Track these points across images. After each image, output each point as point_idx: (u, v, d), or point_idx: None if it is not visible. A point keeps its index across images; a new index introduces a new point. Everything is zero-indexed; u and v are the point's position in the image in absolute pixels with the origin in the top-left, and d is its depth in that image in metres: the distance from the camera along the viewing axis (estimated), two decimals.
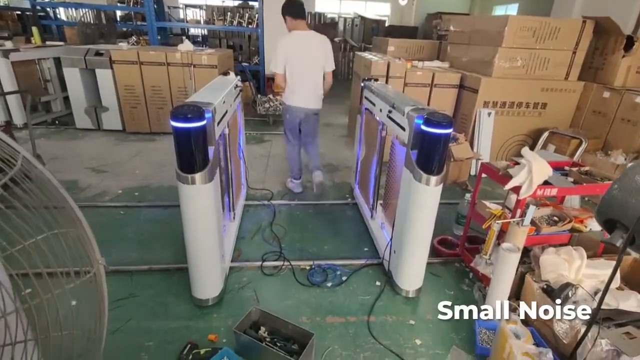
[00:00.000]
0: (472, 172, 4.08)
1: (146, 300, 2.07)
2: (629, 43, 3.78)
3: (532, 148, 4.11)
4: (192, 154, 1.64)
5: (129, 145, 4.52)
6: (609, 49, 3.99)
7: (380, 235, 2.65)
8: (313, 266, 2.39)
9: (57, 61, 5.02)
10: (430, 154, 1.80)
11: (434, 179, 1.82)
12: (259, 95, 5.78)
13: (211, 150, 1.75)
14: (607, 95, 3.83)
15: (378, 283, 2.28)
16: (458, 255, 2.54)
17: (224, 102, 2.06)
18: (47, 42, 5.71)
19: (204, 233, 1.83)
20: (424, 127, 1.78)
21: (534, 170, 1.85)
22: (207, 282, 1.97)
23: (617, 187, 0.65)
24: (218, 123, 1.88)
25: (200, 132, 1.63)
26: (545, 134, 3.94)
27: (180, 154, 1.66)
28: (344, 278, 2.31)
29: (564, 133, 3.84)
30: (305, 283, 2.25)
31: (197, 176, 1.68)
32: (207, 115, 1.68)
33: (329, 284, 2.25)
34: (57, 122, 5.21)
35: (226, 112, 2.15)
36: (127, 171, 3.76)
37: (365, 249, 2.63)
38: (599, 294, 1.88)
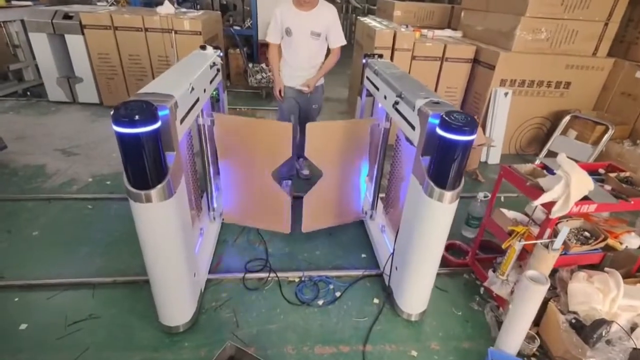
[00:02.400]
0: (483, 159, 3.73)
1: (108, 322, 1.78)
2: None
3: (550, 132, 3.72)
4: (143, 166, 1.28)
5: (106, 121, 4.09)
6: None
7: (380, 240, 2.35)
8: (303, 278, 2.10)
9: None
10: (446, 165, 1.44)
11: (448, 195, 1.48)
12: (250, 65, 5.27)
13: (171, 156, 1.39)
14: (639, 75, 3.39)
15: (376, 301, 2.00)
16: (467, 265, 2.25)
17: (192, 89, 1.66)
18: (13, 2, 5.10)
19: (168, 257, 1.50)
20: (440, 131, 1.41)
21: (573, 185, 1.51)
22: (176, 308, 1.67)
23: None
24: (182, 120, 1.50)
25: (153, 138, 1.26)
26: (567, 118, 3.52)
27: (128, 167, 1.30)
28: (337, 294, 2.02)
29: (587, 117, 3.43)
30: (293, 300, 1.97)
31: (153, 193, 1.33)
32: (162, 113, 1.30)
33: (320, 302, 1.97)
34: (28, 93, 4.75)
35: (197, 100, 1.76)
36: (102, 154, 3.39)
37: (363, 256, 2.34)
38: (637, 330, 1.60)
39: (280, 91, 2.74)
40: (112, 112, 1.21)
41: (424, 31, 4.18)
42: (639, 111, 3.39)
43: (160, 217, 1.40)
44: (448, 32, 4.40)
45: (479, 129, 3.47)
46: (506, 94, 3.54)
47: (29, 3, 5.16)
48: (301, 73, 2.71)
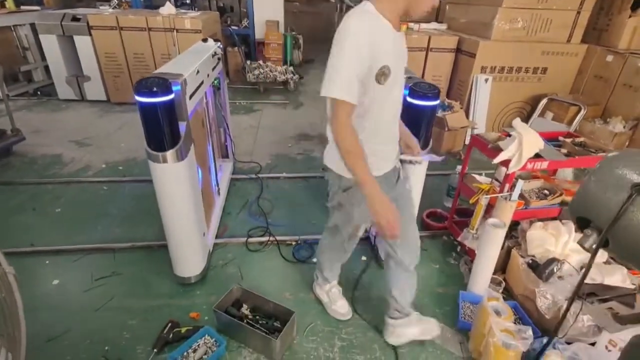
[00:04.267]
0: (467, 142, 3.98)
1: (128, 278, 2.05)
2: (637, 2, 3.54)
3: (530, 115, 3.98)
4: (160, 131, 1.54)
5: (114, 116, 4.37)
6: (615, 9, 3.75)
7: None
8: (299, 241, 2.36)
9: (35, 27, 4.74)
10: (415, 128, 1.70)
11: None
12: (248, 62, 5.54)
13: (182, 126, 1.65)
14: (610, 59, 3.65)
15: (364, 258, 2.26)
16: (446, 228, 2.51)
17: (198, 72, 1.92)
18: (22, 7, 5.37)
19: (181, 213, 1.77)
20: (409, 99, 1.67)
21: (524, 143, 1.77)
22: (188, 261, 1.94)
23: (593, 180, 0.57)
24: (190, 96, 1.77)
25: (168, 107, 1.52)
26: (544, 101, 3.79)
27: (148, 131, 1.56)
28: None
29: (562, 100, 3.70)
30: (290, 259, 2.23)
31: (169, 154, 1.59)
32: (175, 88, 1.57)
33: (314, 260, 2.22)
34: (39, 92, 5.02)
35: (202, 83, 2.02)
36: (112, 144, 3.65)
37: None
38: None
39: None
40: (134, 86, 1.48)
41: (411, 24, 4.45)
42: (610, 92, 3.65)
43: (174, 175, 1.66)
44: (434, 25, 4.66)
45: (462, 113, 3.74)
46: (486, 80, 3.80)
47: (37, 8, 5.43)
48: (394, 145, 1.46)
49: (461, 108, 3.81)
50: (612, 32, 3.78)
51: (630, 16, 3.58)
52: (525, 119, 4.06)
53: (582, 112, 3.49)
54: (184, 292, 1.96)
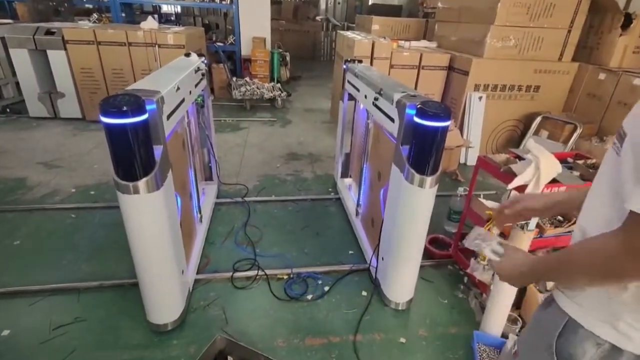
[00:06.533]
0: (462, 161, 3.86)
1: (94, 325, 1.76)
2: (627, 21, 3.55)
3: (524, 134, 3.90)
4: (131, 157, 1.31)
5: (89, 135, 4.07)
6: (604, 27, 3.75)
7: (366, 236, 2.40)
8: (291, 275, 2.12)
9: (5, 41, 4.46)
10: (424, 151, 1.52)
11: (428, 180, 1.55)
12: (234, 78, 5.36)
13: (158, 150, 1.42)
14: (602, 77, 3.62)
15: (364, 293, 2.03)
16: (451, 256, 2.32)
17: (178, 89, 1.71)
18: None
19: (156, 252, 1.51)
20: (417, 119, 1.50)
21: (542, 167, 1.60)
22: (164, 305, 1.67)
23: None
24: (168, 116, 1.55)
25: (141, 129, 1.30)
26: (538, 119, 3.71)
27: (116, 158, 1.32)
28: (326, 288, 2.05)
29: (557, 118, 3.62)
30: (282, 296, 1.98)
31: (141, 184, 1.35)
32: (149, 107, 1.34)
33: (309, 297, 1.99)
34: (8, 109, 4.67)
35: (182, 100, 1.80)
36: (84, 166, 3.36)
37: (350, 252, 2.37)
38: None
39: None
40: (100, 105, 1.25)
41: (401, 42, 4.37)
42: (604, 110, 3.60)
43: (148, 208, 1.42)
44: (424, 43, 4.60)
45: (457, 132, 3.62)
46: (480, 98, 3.71)
47: (9, 21, 5.15)
48: None
49: (455, 126, 3.70)
50: (602, 50, 3.77)
51: (620, 35, 3.57)
52: (519, 138, 3.98)
53: (579, 131, 3.42)
54: (159, 341, 1.68)
